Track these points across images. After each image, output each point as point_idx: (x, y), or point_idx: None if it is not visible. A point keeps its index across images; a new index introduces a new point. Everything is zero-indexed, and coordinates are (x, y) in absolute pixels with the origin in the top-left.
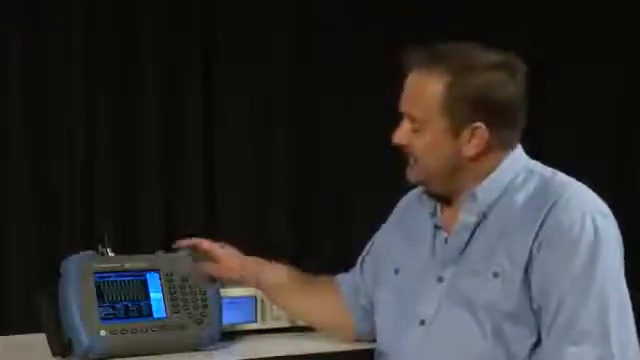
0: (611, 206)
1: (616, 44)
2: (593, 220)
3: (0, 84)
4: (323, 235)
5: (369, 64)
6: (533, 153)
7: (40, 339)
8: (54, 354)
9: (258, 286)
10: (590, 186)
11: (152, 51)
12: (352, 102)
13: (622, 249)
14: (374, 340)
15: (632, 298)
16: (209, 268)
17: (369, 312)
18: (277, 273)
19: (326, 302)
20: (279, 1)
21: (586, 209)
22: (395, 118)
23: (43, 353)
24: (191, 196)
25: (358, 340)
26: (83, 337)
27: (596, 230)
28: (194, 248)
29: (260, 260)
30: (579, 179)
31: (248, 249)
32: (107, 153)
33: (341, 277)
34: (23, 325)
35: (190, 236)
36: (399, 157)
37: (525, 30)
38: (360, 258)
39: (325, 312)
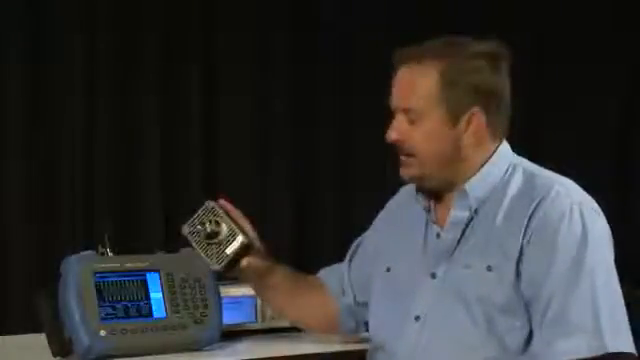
0: (612, 207)
1: (618, 45)
2: (581, 213)
3: (0, 84)
4: (323, 235)
5: (369, 64)
6: (534, 154)
7: (40, 339)
8: (54, 354)
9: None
10: (590, 187)
11: (152, 51)
12: (352, 102)
13: (611, 243)
14: (360, 339)
15: (631, 295)
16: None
17: (354, 310)
18: (274, 273)
19: (313, 301)
20: (279, 1)
21: (574, 202)
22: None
23: (43, 353)
24: (191, 196)
25: (345, 341)
26: (83, 337)
27: (584, 223)
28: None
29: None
30: (579, 180)
31: None
32: (107, 153)
33: (326, 275)
34: (23, 325)
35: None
36: (399, 156)
37: (527, 31)
38: (348, 256)
39: (313, 311)
